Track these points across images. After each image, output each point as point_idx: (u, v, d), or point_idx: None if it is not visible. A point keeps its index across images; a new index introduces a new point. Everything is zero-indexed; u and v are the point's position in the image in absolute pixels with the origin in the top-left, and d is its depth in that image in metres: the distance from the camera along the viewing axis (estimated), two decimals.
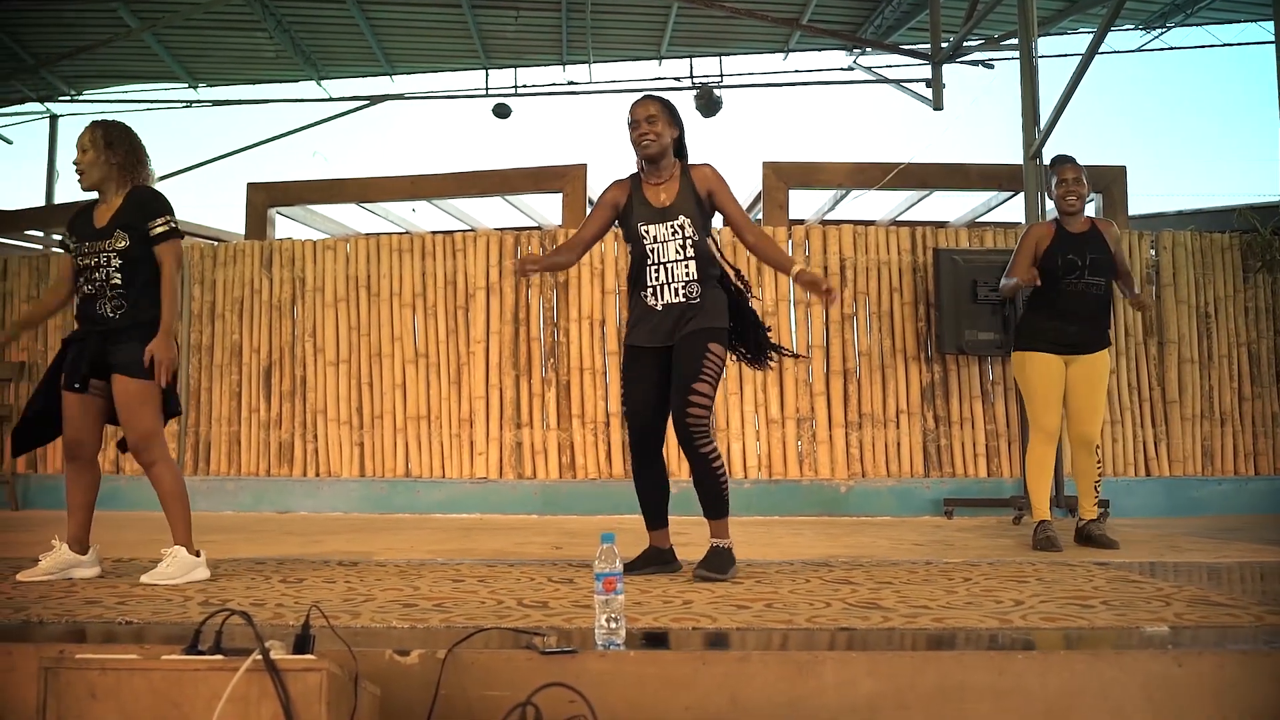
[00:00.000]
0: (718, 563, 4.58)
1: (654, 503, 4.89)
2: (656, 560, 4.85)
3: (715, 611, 3.60)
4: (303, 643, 2.47)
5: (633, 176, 4.84)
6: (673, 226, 4.66)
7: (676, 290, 4.65)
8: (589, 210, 4.76)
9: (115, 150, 4.68)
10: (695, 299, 4.63)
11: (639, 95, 4.84)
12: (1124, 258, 6.16)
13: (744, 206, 11.54)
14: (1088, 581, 4.34)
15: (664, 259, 4.66)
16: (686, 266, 4.63)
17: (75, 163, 4.72)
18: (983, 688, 2.84)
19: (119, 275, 4.61)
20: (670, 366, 4.65)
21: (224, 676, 2.27)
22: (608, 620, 2.96)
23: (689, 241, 4.63)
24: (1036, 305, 6.14)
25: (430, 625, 3.32)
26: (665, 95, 4.89)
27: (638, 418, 4.78)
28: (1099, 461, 6.00)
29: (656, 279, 4.68)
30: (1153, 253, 9.01)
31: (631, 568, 4.63)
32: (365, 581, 4.40)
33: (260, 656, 2.27)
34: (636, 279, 4.76)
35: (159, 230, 4.65)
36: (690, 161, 4.80)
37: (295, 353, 9.31)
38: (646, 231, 4.68)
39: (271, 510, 9.04)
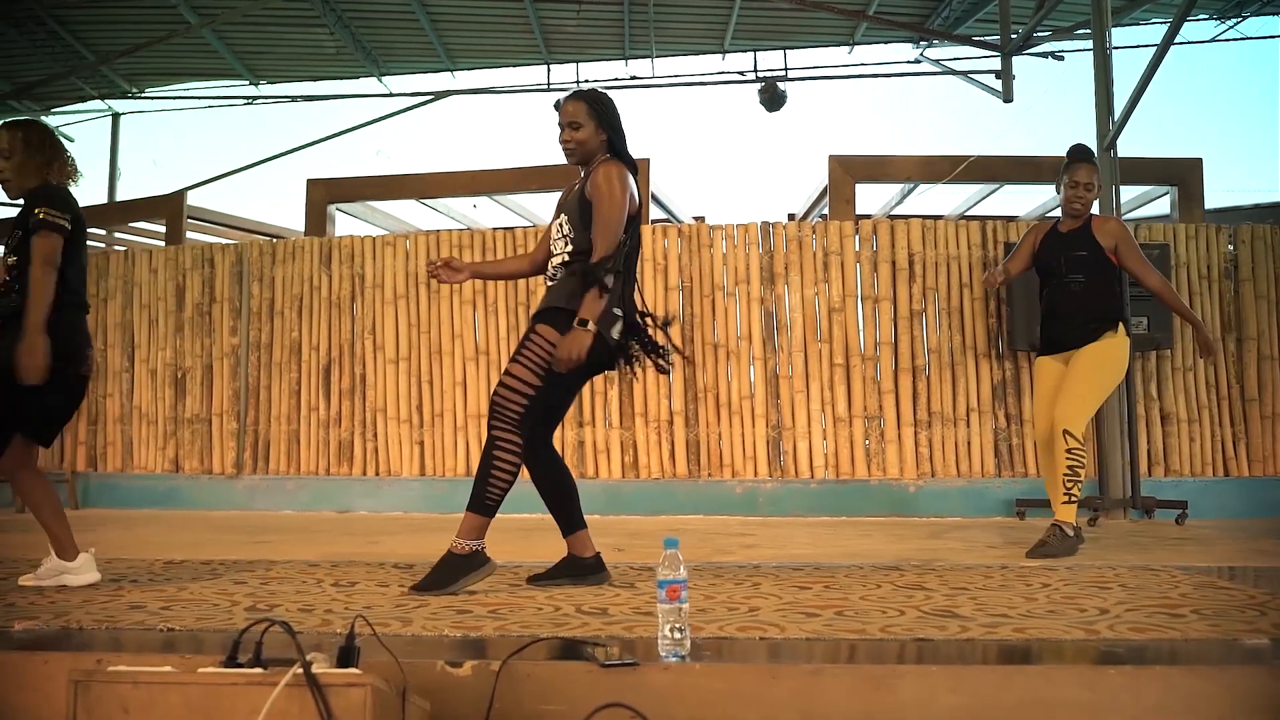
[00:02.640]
0: (434, 575, 4.08)
1: (548, 500, 4.46)
2: (570, 570, 4.38)
3: (783, 620, 3.42)
4: (347, 655, 2.33)
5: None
6: (559, 224, 4.47)
7: (550, 277, 4.49)
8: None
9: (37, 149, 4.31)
10: (554, 279, 4.43)
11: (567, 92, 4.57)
12: (1131, 255, 5.70)
13: (810, 201, 11.38)
14: (1173, 588, 4.13)
15: (552, 254, 4.51)
16: (563, 257, 4.40)
17: None
18: (1072, 704, 2.66)
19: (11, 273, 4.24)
20: None
21: (263, 691, 2.14)
22: (671, 630, 2.81)
23: (566, 239, 4.40)
24: (1041, 310, 5.96)
25: (484, 634, 3.18)
26: (593, 90, 4.61)
27: None
28: (1069, 451, 5.45)
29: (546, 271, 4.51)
30: (1231, 247, 8.73)
31: (538, 579, 4.34)
32: None
33: (301, 670, 2.14)
34: None
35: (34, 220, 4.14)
36: (605, 159, 4.41)
37: (355, 350, 9.26)
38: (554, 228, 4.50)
39: (331, 510, 8.99)
